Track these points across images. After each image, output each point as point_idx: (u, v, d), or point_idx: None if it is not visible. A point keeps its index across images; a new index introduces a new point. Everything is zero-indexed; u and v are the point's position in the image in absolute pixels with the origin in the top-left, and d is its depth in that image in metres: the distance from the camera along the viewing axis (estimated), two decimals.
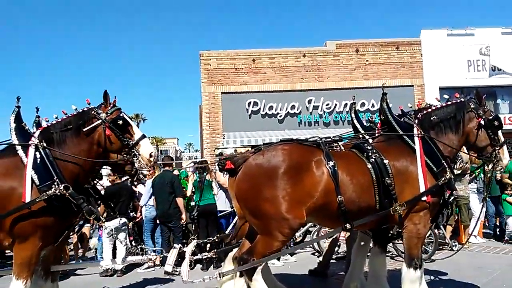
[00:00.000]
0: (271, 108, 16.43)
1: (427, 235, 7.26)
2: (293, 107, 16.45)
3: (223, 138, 15.87)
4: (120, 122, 4.48)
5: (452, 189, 4.61)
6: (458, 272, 6.61)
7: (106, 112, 4.53)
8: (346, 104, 15.90)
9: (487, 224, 9.99)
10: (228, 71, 16.51)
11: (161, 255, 4.67)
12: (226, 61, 16.53)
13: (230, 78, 16.57)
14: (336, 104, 16.32)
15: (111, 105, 4.57)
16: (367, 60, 16.47)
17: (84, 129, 4.42)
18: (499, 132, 4.81)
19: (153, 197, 7.95)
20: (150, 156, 4.55)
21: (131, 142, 4.49)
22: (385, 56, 16.49)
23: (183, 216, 7.88)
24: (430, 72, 15.82)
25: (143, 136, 4.60)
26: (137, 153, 4.49)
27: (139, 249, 5.36)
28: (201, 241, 5.17)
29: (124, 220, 6.87)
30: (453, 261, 7.38)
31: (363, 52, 16.52)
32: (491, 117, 4.73)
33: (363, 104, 15.70)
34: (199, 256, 4.58)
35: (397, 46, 16.59)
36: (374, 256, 5.09)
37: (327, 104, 16.42)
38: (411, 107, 5.11)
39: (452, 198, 7.72)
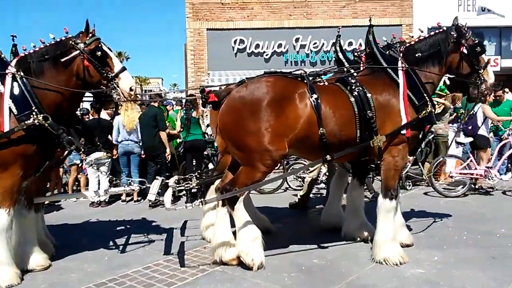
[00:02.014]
0: (257, 46, 16.07)
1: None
2: (280, 45, 16.10)
3: (208, 77, 15.64)
4: (99, 53, 4.35)
5: (432, 123, 4.69)
6: (433, 205, 6.92)
7: (84, 42, 4.38)
8: (333, 44, 15.60)
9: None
10: (214, 6, 15.89)
11: (144, 187, 4.72)
12: None
13: (216, 13, 16.01)
14: (323, 43, 16.01)
15: (90, 35, 4.41)
16: None
17: (62, 60, 4.29)
18: (482, 56, 4.84)
19: (122, 133, 7.96)
20: (130, 89, 4.48)
21: (110, 75, 4.40)
22: None
23: (168, 150, 7.98)
24: (419, 11, 15.47)
25: (123, 69, 4.49)
26: (116, 86, 4.40)
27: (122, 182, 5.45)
28: (182, 176, 5.20)
29: (104, 153, 6.91)
30: (430, 195, 7.74)
31: None
32: (473, 44, 4.73)
33: (350, 43, 15.43)
34: (182, 187, 4.65)
35: None
36: (352, 188, 5.26)
37: (315, 43, 16.10)
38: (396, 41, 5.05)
39: (431, 136, 8.01)
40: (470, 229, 5.60)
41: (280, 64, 16.01)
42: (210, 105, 4.56)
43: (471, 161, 7.66)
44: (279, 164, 6.37)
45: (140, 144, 8.09)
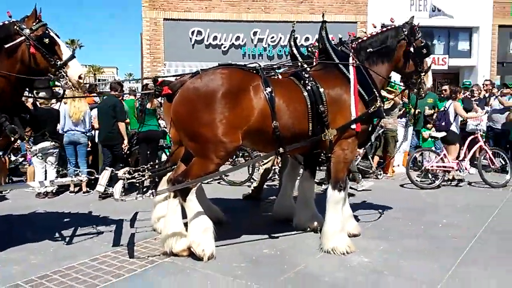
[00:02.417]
0: (215, 38, 15.97)
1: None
2: (238, 38, 16.08)
3: (164, 67, 15.38)
4: (47, 40, 4.17)
5: (380, 117, 4.86)
6: (381, 197, 7.18)
7: (30, 27, 4.18)
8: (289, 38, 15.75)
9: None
10: None
11: (93, 177, 4.60)
12: None
13: (174, 3, 15.73)
14: (281, 37, 16.13)
15: (37, 20, 4.21)
16: None
17: (6, 46, 4.08)
18: (426, 59, 5.04)
19: (68, 123, 7.73)
20: (80, 78, 4.33)
21: (58, 63, 4.23)
22: None
23: (125, 141, 7.85)
24: (374, 9, 15.92)
25: (72, 57, 4.33)
26: (65, 75, 4.24)
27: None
28: (134, 168, 5.10)
29: (52, 143, 6.67)
30: (378, 187, 8.03)
31: None
32: (421, 45, 4.91)
33: (307, 39, 15.64)
34: (133, 180, 4.55)
35: None
36: (303, 180, 5.37)
37: (272, 37, 16.20)
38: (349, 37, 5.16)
39: (381, 130, 8.29)
40: (416, 220, 5.86)
41: (238, 57, 16.00)
42: (164, 98, 4.50)
43: (444, 155, 8.09)
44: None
45: (88, 134, 7.93)
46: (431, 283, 3.86)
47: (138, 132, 7.81)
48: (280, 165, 7.17)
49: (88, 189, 7.87)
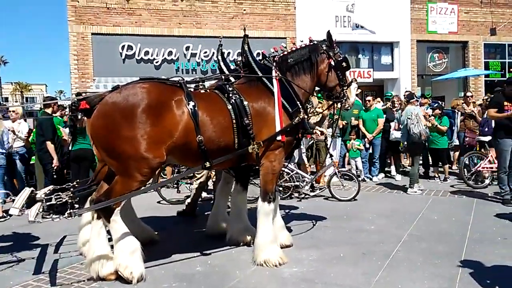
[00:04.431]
0: (147, 53, 15.68)
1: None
2: (170, 53, 15.91)
3: (94, 83, 14.84)
4: None
5: (305, 129, 4.99)
6: (313, 206, 7.36)
7: None
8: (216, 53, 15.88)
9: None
10: (99, 10, 15.14)
11: (9, 199, 4.26)
12: None
13: (102, 18, 15.28)
14: (213, 52, 16.13)
15: None
16: (244, 10, 16.47)
17: None
18: (347, 73, 5.24)
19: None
20: None
21: None
22: (262, 7, 16.64)
23: (55, 160, 7.52)
24: (302, 26, 16.47)
25: None
26: None
27: None
28: (58, 187, 4.83)
29: None
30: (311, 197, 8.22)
31: (241, 1, 16.47)
32: (340, 59, 5.10)
33: (239, 54, 15.85)
34: (53, 201, 4.29)
35: None
36: (236, 193, 5.37)
37: (205, 52, 16.22)
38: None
39: (311, 142, 8.53)
40: (344, 228, 6.06)
41: (171, 72, 15.83)
42: (82, 113, 4.32)
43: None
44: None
45: (4, 155, 7.49)
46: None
47: (69, 150, 7.58)
48: (214, 179, 7.13)
49: (4, 214, 7.28)
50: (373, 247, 5.17)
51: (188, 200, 7.10)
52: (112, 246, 4.28)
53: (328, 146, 8.23)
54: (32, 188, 4.39)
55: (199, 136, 4.25)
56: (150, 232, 5.43)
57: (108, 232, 4.34)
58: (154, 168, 4.27)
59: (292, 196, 8.03)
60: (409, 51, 17.96)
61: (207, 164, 4.42)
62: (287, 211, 7.02)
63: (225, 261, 4.78)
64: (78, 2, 14.92)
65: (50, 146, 7.47)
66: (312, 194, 8.19)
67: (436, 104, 10.04)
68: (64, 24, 15.04)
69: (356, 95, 6.89)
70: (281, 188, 7.77)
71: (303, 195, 8.10)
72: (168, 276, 4.38)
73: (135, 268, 4.13)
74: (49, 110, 7.78)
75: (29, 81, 68.07)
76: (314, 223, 6.28)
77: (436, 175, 9.85)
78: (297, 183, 7.95)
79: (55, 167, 7.52)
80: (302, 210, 7.13)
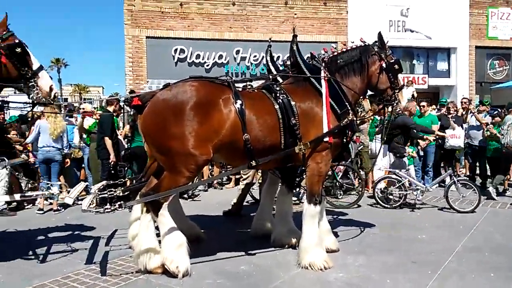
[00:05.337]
0: (198, 56, 16.07)
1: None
2: (220, 56, 16.20)
3: (147, 84, 15.37)
4: (19, 49, 4.14)
5: (354, 131, 4.89)
6: (361, 213, 7.18)
7: (1, 37, 4.14)
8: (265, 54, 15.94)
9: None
10: (154, 14, 15.72)
11: (63, 191, 4.46)
12: (151, 3, 15.68)
13: (156, 22, 15.84)
14: (263, 56, 16.21)
15: (6, 29, 4.18)
16: (295, 14, 16.49)
17: None
18: (399, 76, 5.09)
19: (44, 139, 7.66)
20: (50, 89, 4.29)
21: (29, 73, 4.19)
22: (313, 11, 16.58)
23: (112, 156, 7.76)
24: (354, 30, 16.23)
25: (41, 67, 4.31)
26: (35, 85, 4.20)
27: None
28: (111, 182, 5.03)
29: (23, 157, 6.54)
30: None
31: (292, 5, 16.50)
32: (392, 61, 4.96)
33: (289, 58, 15.85)
34: (106, 194, 4.46)
35: (325, 2, 16.73)
36: (281, 195, 5.34)
37: (255, 56, 16.37)
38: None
39: (361, 147, 8.30)
40: (394, 236, 5.86)
41: (221, 75, 16.05)
42: (134, 109, 4.47)
43: None
44: None
45: (63, 151, 7.86)
46: None
47: (128, 148, 7.88)
48: (260, 180, 7.14)
49: (59, 207, 7.68)
50: (424, 257, 4.96)
51: (234, 200, 7.15)
52: (159, 241, 4.37)
53: (377, 153, 8.00)
54: (86, 183, 4.60)
55: (245, 134, 4.27)
56: (197, 229, 5.50)
57: (157, 227, 4.45)
58: (201, 165, 4.33)
59: (402, 206, 7.60)
60: (467, 57, 17.24)
61: (253, 163, 4.42)
62: (334, 216, 6.90)
63: (269, 262, 4.76)
64: (134, 6, 15.53)
65: (108, 142, 7.74)
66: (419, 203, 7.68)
67: (496, 112, 9.53)
68: (121, 27, 15.66)
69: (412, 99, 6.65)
70: (391, 197, 7.56)
71: (414, 204, 7.66)
72: (213, 272, 4.42)
73: (181, 263, 4.20)
74: (110, 108, 8.14)
75: (87, 83, 71.55)
76: (362, 229, 6.12)
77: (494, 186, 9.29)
78: (408, 192, 7.56)
79: (112, 163, 7.80)
80: (350, 217, 6.97)
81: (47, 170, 7.69)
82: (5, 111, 7.54)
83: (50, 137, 7.56)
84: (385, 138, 6.23)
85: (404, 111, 7.62)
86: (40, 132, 7.63)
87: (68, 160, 8.34)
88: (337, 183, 7.96)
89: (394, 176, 7.67)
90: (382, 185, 7.82)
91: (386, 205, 7.58)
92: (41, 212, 7.50)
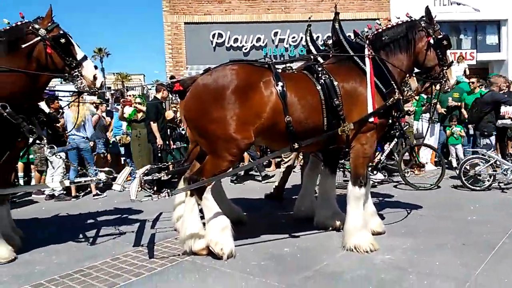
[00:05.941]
0: (236, 40, 16.04)
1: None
2: (258, 39, 16.10)
3: (187, 70, 15.53)
4: (63, 40, 4.25)
5: (400, 110, 4.71)
6: (408, 195, 6.99)
7: (46, 28, 4.26)
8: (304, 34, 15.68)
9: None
10: None
11: (111, 176, 4.59)
12: None
13: (194, 7, 15.91)
14: (302, 37, 15.99)
15: (51, 21, 4.29)
16: None
17: (23, 46, 4.16)
18: (448, 52, 4.85)
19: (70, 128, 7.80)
20: (94, 78, 4.39)
21: (74, 62, 4.30)
22: None
23: (158, 139, 7.92)
24: (397, 5, 15.60)
25: (85, 57, 4.41)
26: (80, 74, 4.31)
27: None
28: (155, 166, 5.12)
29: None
30: (405, 185, 7.84)
31: None
32: (440, 36, 4.73)
33: (329, 37, 15.51)
34: (150, 178, 4.57)
35: None
36: (324, 177, 5.26)
37: (293, 37, 16.14)
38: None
39: (406, 127, 8.04)
40: (443, 217, 5.66)
41: (260, 58, 15.98)
42: (176, 95, 4.51)
43: None
44: None
45: (87, 139, 8.07)
46: (459, 280, 3.70)
47: (175, 133, 8.07)
48: (301, 163, 7.08)
49: (98, 191, 7.94)
50: (475, 238, 4.76)
51: (276, 183, 7.14)
52: (204, 223, 4.44)
53: (424, 133, 7.72)
54: (131, 167, 4.70)
55: (287, 117, 4.21)
56: (239, 212, 5.54)
57: (201, 210, 4.50)
58: (243, 149, 4.33)
59: (490, 187, 7.25)
60: None
61: (296, 146, 4.37)
62: (380, 198, 6.74)
63: (312, 244, 4.72)
64: None
65: (153, 125, 7.94)
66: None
67: None
68: (159, 14, 15.84)
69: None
70: (480, 177, 7.28)
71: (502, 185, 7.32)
72: (257, 254, 4.44)
73: (226, 245, 4.24)
74: (158, 95, 8.32)
75: (129, 72, 73.20)
76: (409, 211, 5.94)
77: None
78: (497, 172, 7.22)
79: (159, 146, 7.96)
80: (396, 198, 6.80)
81: (77, 157, 7.94)
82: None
83: (73, 126, 7.78)
84: (434, 118, 5.97)
85: (493, 87, 7.25)
86: (66, 121, 7.90)
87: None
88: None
89: (481, 156, 7.30)
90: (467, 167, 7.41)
91: (475, 188, 7.21)
92: (98, 196, 7.82)
